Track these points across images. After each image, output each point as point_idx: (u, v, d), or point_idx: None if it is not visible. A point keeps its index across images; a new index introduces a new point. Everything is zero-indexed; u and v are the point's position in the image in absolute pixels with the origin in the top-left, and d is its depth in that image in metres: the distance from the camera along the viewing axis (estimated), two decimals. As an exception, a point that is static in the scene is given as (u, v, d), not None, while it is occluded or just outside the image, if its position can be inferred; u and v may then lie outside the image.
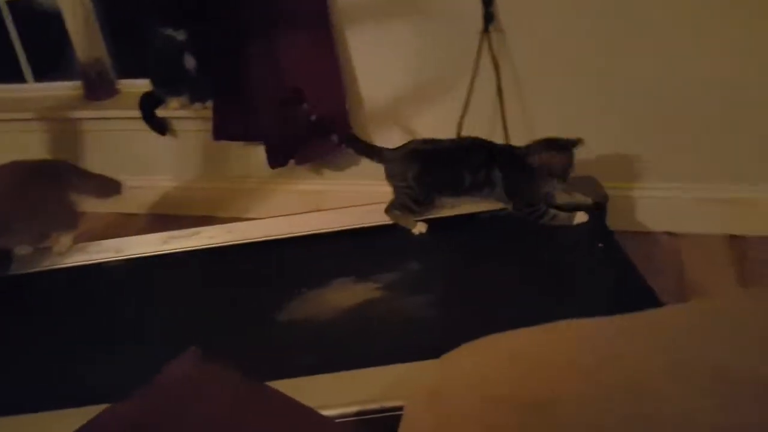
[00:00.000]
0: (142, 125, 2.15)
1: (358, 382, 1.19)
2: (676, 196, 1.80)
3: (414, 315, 1.41)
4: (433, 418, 0.56)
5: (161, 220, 2.26)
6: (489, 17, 1.72)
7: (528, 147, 1.60)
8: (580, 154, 1.58)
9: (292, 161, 2.03)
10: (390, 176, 1.68)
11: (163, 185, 2.32)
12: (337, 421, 1.06)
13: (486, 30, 1.73)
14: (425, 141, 1.67)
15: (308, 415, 0.78)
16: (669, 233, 1.83)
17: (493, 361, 0.56)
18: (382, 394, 1.13)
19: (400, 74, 1.91)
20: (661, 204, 1.83)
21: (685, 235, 1.81)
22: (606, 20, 1.66)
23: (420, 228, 1.67)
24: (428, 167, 1.62)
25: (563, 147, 1.56)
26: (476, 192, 1.62)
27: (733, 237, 1.77)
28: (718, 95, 1.66)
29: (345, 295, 1.50)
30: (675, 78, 1.68)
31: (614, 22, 1.66)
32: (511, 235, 1.63)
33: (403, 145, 1.67)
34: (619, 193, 1.81)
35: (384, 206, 1.73)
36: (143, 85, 2.18)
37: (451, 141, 1.69)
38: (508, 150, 1.64)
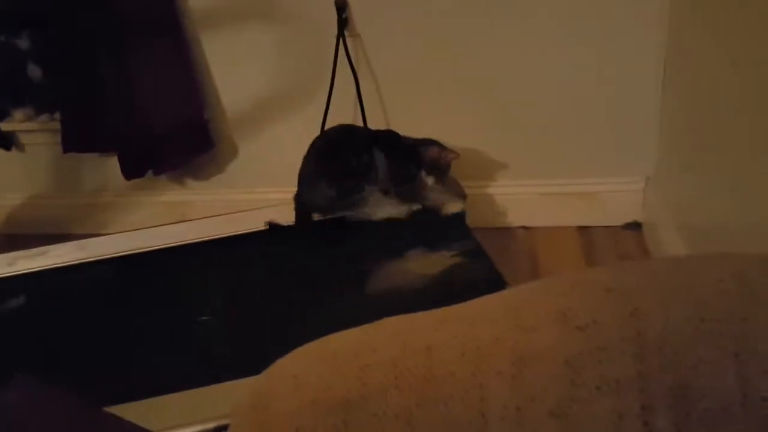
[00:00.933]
0: (-16, 140, 2.01)
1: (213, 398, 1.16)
2: (528, 192, 1.90)
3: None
4: (255, 423, 0.55)
5: (9, 241, 2.11)
6: (343, 23, 1.74)
7: (418, 140, 1.65)
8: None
9: (149, 172, 1.95)
10: (321, 210, 1.64)
11: (10, 203, 2.17)
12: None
13: (341, 35, 1.75)
14: (307, 157, 1.64)
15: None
16: (524, 227, 1.93)
17: (313, 363, 0.57)
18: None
19: (260, 81, 1.90)
20: (516, 200, 1.92)
21: (539, 229, 1.91)
22: (457, 26, 1.72)
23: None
24: (327, 175, 1.60)
25: (448, 151, 1.64)
26: (362, 179, 1.61)
27: (581, 228, 1.89)
28: (559, 98, 1.77)
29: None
30: (521, 81, 1.76)
31: (465, 27, 1.72)
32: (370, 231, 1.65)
33: (300, 181, 1.65)
34: (478, 191, 1.89)
35: (254, 212, 1.71)
36: (-18, 97, 2.03)
37: (326, 135, 1.68)
38: (391, 134, 1.68)
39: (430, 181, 1.65)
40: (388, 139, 1.65)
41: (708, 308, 0.50)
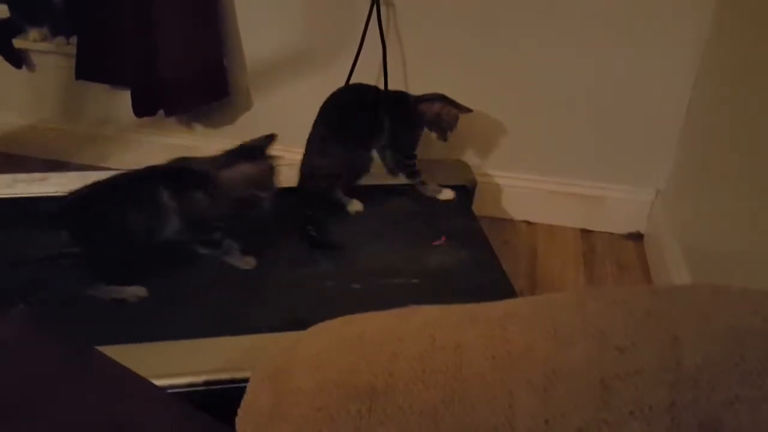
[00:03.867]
0: (-5, 55, 1.96)
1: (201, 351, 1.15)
2: (536, 188, 1.89)
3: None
4: (273, 395, 0.54)
5: (6, 160, 2.08)
6: (379, -11, 1.70)
7: (422, 96, 1.62)
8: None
9: (160, 111, 1.92)
10: (328, 177, 1.58)
11: (12, 122, 2.12)
12: (175, 391, 1.02)
13: (376, 1, 1.71)
14: (316, 120, 1.58)
15: (136, 383, 0.74)
16: (527, 222, 1.92)
17: (336, 344, 0.56)
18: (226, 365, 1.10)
19: (285, 34, 1.86)
20: (523, 194, 1.91)
21: (542, 225, 1.91)
22: (493, 13, 1.70)
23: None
24: (338, 139, 1.55)
25: (455, 105, 1.61)
26: (370, 139, 1.57)
27: (584, 231, 1.89)
28: (584, 100, 1.75)
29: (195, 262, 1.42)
30: (547, 76, 1.74)
31: (500, 16, 1.70)
32: (377, 209, 1.62)
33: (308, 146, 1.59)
34: (486, 179, 1.88)
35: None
36: (0, 10, 1.98)
37: (337, 97, 1.61)
38: (399, 95, 1.65)
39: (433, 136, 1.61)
40: (397, 101, 1.62)
41: (748, 347, 0.50)
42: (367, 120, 1.57)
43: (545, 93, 1.77)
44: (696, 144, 1.64)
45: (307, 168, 1.58)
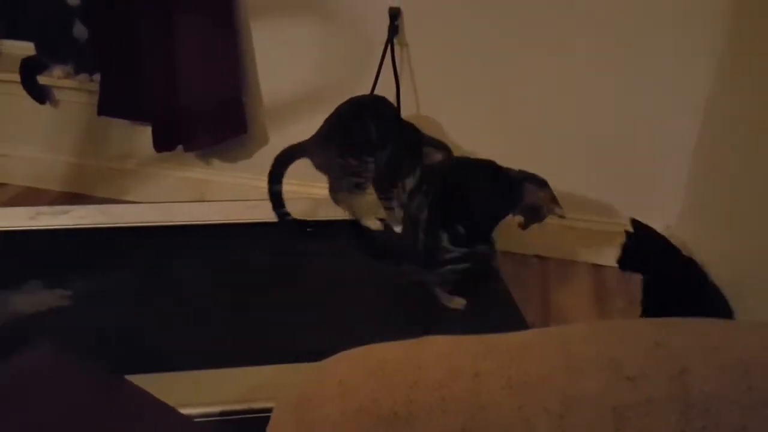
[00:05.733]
0: (21, 90, 2.02)
1: (224, 381, 1.17)
2: (547, 223, 1.89)
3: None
4: (298, 424, 0.57)
5: (29, 194, 2.13)
6: (394, 30, 1.75)
7: (428, 138, 1.66)
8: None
9: (179, 146, 1.96)
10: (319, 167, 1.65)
11: (35, 156, 2.18)
12: (198, 420, 1.04)
13: (390, 41, 1.76)
14: (329, 117, 1.64)
15: (166, 413, 0.76)
16: (538, 257, 1.94)
17: (359, 372, 0.58)
18: (248, 395, 1.12)
19: (302, 73, 1.91)
20: (533, 229, 1.92)
21: (553, 260, 1.92)
22: (507, 55, 1.75)
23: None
24: (341, 140, 1.61)
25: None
26: (373, 154, 1.61)
27: (595, 265, 1.90)
28: (594, 137, 1.79)
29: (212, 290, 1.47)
30: (561, 114, 1.78)
31: (513, 58, 1.75)
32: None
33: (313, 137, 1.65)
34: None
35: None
36: (26, 48, 2.05)
37: (354, 101, 1.66)
38: (409, 126, 1.68)
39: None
40: (406, 128, 1.66)
41: (754, 377, 0.52)
42: (371, 130, 1.61)
43: (557, 130, 1.80)
44: (705, 180, 1.66)
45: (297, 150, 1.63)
